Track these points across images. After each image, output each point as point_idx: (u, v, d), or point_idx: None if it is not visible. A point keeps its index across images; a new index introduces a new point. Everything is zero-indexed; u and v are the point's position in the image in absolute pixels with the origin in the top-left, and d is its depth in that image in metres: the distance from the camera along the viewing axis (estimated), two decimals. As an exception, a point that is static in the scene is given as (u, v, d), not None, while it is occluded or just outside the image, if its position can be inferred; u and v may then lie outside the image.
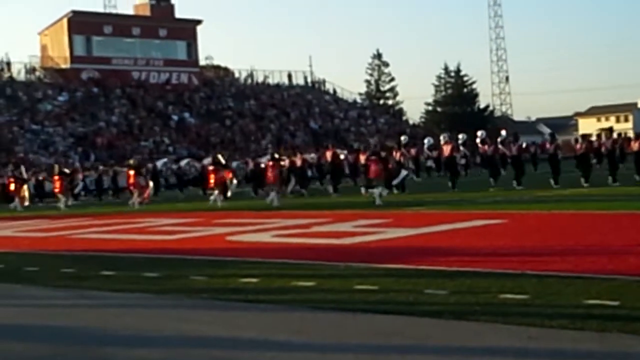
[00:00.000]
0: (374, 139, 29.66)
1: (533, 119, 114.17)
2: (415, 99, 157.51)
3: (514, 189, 27.30)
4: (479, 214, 18.09)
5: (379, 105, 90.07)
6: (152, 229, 19.36)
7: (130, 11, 74.73)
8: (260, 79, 79.33)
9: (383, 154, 25.52)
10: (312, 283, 10.02)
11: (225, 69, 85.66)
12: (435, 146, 42.02)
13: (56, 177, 35.37)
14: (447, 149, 31.04)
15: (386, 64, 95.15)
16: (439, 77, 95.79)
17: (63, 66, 67.79)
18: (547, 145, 30.75)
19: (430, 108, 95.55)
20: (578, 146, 29.31)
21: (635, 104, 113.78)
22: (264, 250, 13.79)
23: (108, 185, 43.77)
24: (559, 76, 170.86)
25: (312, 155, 37.22)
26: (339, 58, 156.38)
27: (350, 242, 14.17)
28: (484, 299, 8.53)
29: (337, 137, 67.68)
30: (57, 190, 34.92)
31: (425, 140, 41.98)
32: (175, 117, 66.03)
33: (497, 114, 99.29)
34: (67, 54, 67.74)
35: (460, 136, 35.05)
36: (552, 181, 27.44)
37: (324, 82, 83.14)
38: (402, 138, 36.35)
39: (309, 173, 35.39)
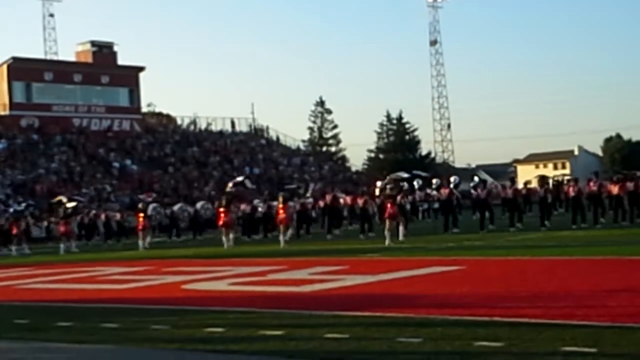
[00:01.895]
0: (395, 182, 31.15)
1: (473, 165, 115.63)
2: (358, 146, 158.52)
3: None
4: (435, 261, 18.06)
5: (322, 152, 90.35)
6: (102, 278, 18.89)
7: (72, 58, 74.05)
8: (203, 126, 79.11)
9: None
10: (280, 332, 9.79)
11: (168, 116, 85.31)
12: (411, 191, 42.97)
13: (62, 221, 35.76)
14: (445, 192, 31.88)
15: (329, 111, 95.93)
16: (381, 125, 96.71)
17: (2, 113, 66.67)
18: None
19: (372, 155, 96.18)
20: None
21: (572, 152, 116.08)
22: (223, 299, 13.48)
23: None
24: (498, 124, 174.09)
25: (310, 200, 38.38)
26: (282, 105, 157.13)
27: (310, 290, 13.95)
28: (460, 346, 8.41)
29: (280, 184, 67.57)
30: (63, 232, 35.03)
31: (452, 179, 42.25)
32: (117, 164, 65.26)
33: (439, 160, 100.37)
34: (7, 100, 66.70)
35: (452, 179, 35.77)
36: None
37: (267, 128, 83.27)
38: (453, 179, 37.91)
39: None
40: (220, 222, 30.37)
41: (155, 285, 16.52)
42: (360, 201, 32.82)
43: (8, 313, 13.27)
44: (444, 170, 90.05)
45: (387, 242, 24.98)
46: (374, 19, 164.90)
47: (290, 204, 32.59)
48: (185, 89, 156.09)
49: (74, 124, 68.84)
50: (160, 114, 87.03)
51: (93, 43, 72.67)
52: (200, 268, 20.01)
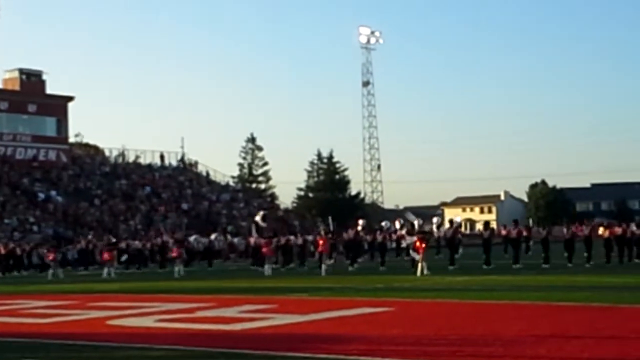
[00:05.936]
0: (417, 220, 34.94)
1: (401, 207, 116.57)
2: (287, 184, 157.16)
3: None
4: (364, 302, 18.03)
5: (251, 189, 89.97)
6: (24, 312, 18.35)
7: (-2, 84, 72.53)
8: (132, 159, 78.10)
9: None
10: (209, 372, 9.60)
11: (96, 147, 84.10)
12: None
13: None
14: (450, 232, 34.79)
15: (260, 148, 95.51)
16: (312, 163, 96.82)
17: None
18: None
19: (302, 193, 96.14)
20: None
21: (498, 196, 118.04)
22: (150, 336, 13.19)
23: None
24: (427, 166, 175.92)
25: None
26: (213, 140, 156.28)
27: (240, 328, 13.76)
28: (392, 390, 8.35)
29: (208, 220, 66.99)
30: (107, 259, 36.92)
31: (383, 224, 43.01)
32: (41, 195, 63.90)
33: (368, 201, 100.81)
34: None
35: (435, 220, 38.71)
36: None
37: (196, 163, 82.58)
38: (361, 222, 40.49)
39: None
40: (264, 251, 34.05)
41: (79, 320, 16.10)
42: (379, 237, 36.83)
43: None
44: (373, 211, 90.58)
45: (419, 272, 27.76)
46: (308, 58, 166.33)
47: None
48: (114, 120, 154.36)
49: (-2, 152, 67.30)
50: (88, 145, 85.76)
51: (21, 71, 71.32)
52: (127, 303, 19.61)
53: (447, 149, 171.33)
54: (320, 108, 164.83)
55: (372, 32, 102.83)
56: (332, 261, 32.97)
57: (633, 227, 34.16)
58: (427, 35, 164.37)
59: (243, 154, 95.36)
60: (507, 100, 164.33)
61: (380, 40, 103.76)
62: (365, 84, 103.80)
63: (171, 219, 65.71)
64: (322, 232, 33.87)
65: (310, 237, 41.59)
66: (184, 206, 69.69)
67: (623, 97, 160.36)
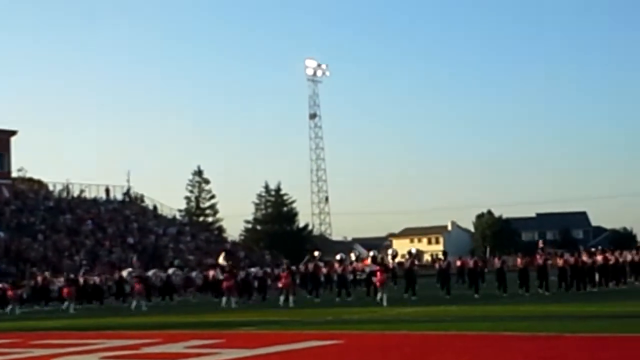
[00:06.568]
0: (373, 251, 38.79)
1: (349, 239, 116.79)
2: (235, 217, 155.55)
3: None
4: (312, 335, 17.92)
5: (198, 222, 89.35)
6: (-37, 352, 17.84)
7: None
8: (77, 193, 77.09)
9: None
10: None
11: (39, 182, 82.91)
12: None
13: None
14: (408, 263, 35.30)
15: (207, 181, 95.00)
16: (260, 196, 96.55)
17: None
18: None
19: (250, 226, 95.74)
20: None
21: (445, 227, 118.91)
22: (94, 374, 12.93)
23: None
24: (374, 198, 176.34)
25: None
26: (159, 174, 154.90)
27: (187, 365, 13.56)
28: None
29: (155, 254, 66.29)
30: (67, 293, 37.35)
31: (338, 256, 43.28)
32: (-17, 231, 62.66)
33: (316, 233, 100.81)
34: None
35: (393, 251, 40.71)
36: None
37: (142, 197, 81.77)
38: (317, 254, 42.46)
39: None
40: (224, 286, 34.53)
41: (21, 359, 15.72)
42: (339, 269, 36.91)
43: None
44: (321, 243, 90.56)
45: (384, 303, 27.96)
46: (254, 90, 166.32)
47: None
48: (58, 154, 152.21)
49: (-62, 188, 66.02)
50: (31, 180, 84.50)
51: (-38, 105, 70.48)
52: (71, 341, 19.21)
53: (394, 180, 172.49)
54: (267, 140, 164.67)
55: (319, 65, 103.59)
56: (291, 297, 32.57)
57: (584, 257, 34.87)
58: (373, 68, 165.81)
59: (190, 187, 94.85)
60: (452, 133, 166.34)
61: (327, 73, 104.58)
62: (312, 116, 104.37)
63: (116, 253, 64.86)
64: (285, 267, 34.86)
65: (269, 270, 42.21)
66: (130, 240, 68.85)
67: (567, 127, 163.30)
